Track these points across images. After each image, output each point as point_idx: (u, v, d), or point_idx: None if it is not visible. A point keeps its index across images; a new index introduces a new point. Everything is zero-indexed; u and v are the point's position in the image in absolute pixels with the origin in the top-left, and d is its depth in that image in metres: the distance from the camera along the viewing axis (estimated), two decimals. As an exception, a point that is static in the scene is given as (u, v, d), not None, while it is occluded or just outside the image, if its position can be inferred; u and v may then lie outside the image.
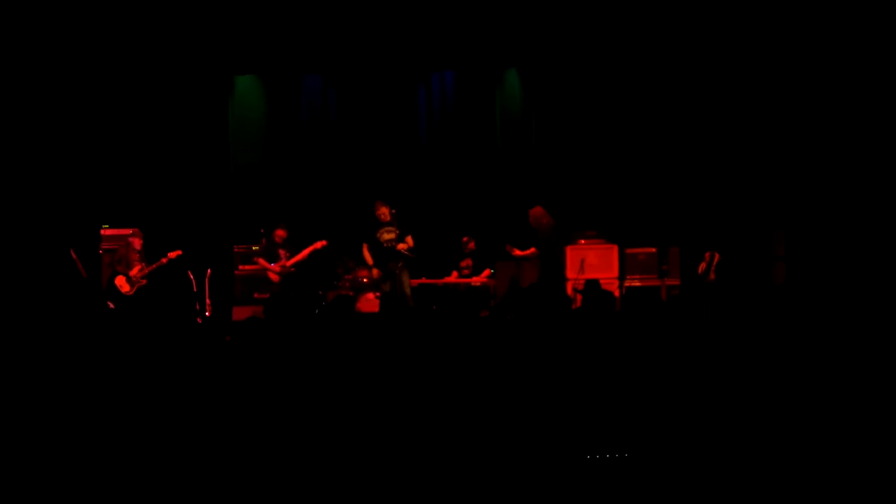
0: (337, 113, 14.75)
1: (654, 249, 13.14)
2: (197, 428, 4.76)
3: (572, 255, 13.00)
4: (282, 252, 12.75)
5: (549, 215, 12.35)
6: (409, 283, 12.22)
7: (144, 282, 12.11)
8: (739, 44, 12.69)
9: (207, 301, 12.12)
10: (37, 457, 4.53)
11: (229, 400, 4.96)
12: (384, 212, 12.21)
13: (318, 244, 12.68)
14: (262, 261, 12.81)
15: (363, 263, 13.17)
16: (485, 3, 13.26)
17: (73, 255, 11.75)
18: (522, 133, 14.43)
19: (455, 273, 13.55)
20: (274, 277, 12.72)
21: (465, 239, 13.60)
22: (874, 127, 11.52)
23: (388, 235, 12.14)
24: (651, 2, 13.02)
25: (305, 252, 12.68)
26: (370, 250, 12.31)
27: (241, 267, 13.35)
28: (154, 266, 12.11)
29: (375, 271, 12.33)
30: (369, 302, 13.02)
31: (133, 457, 4.54)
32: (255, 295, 13.09)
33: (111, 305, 11.83)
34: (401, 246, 12.02)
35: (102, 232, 12.79)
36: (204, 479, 4.44)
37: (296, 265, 12.76)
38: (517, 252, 12.53)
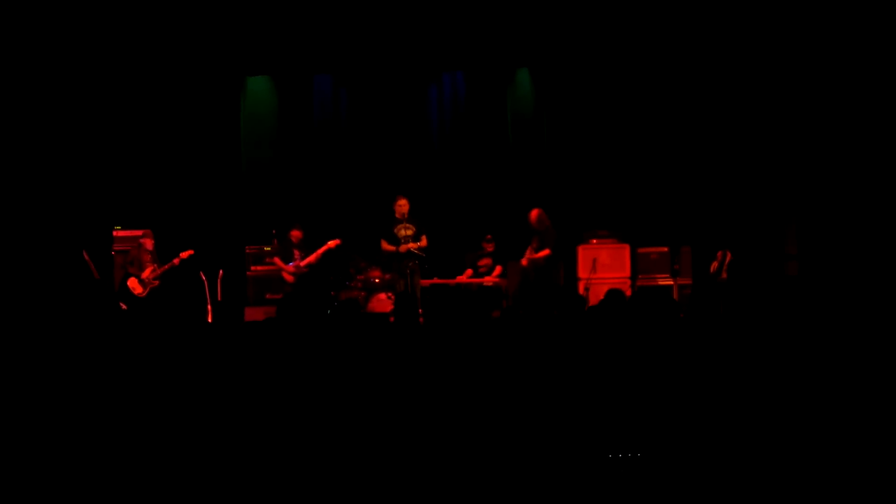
0: (348, 113, 14.75)
1: (665, 249, 13.13)
2: (209, 429, 4.76)
3: (584, 254, 12.99)
4: (296, 252, 12.75)
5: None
6: (419, 284, 12.14)
7: (157, 283, 12.13)
8: (750, 43, 12.67)
9: (220, 302, 12.14)
10: (48, 456, 4.54)
11: (241, 401, 4.97)
12: (403, 203, 12.08)
13: (332, 243, 12.65)
14: (277, 260, 12.80)
15: (376, 261, 13.17)
16: (496, 3, 13.26)
17: (86, 257, 11.79)
18: (534, 132, 14.42)
19: (469, 271, 13.51)
20: (288, 278, 12.72)
21: (489, 236, 13.51)
22: (884, 125, 11.49)
23: (405, 232, 12.03)
24: (662, 1, 13.00)
25: (319, 252, 12.65)
26: (390, 244, 12.15)
27: (253, 268, 13.37)
28: (166, 267, 12.13)
29: (404, 247, 11.99)
30: (381, 302, 13.01)
31: (145, 457, 4.55)
32: (268, 296, 13.11)
33: (124, 307, 11.86)
34: (411, 245, 11.92)
35: (114, 233, 12.82)
36: (214, 480, 4.45)
37: (309, 265, 12.73)
38: (533, 256, 12.30)
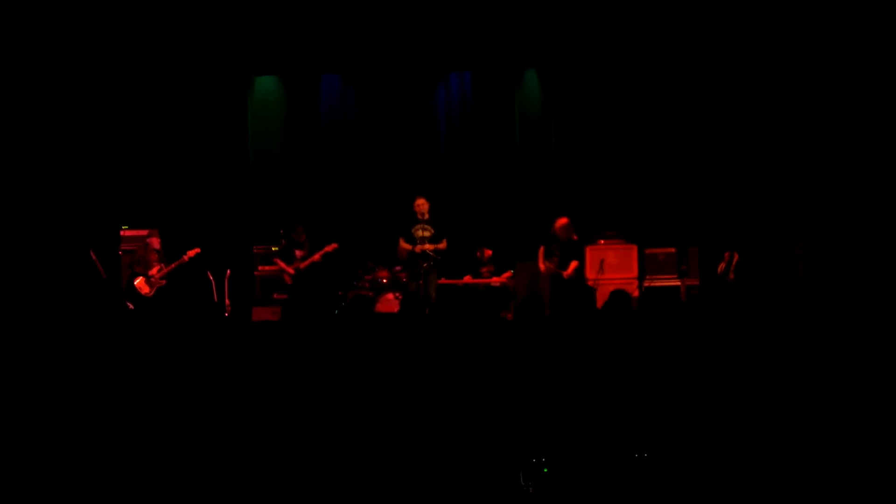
0: (356, 113, 14.75)
1: (673, 249, 13.10)
2: (217, 428, 4.77)
3: (592, 255, 12.95)
4: (298, 253, 12.71)
5: None
6: (435, 284, 12.06)
7: (164, 282, 12.12)
8: (758, 46, 12.66)
9: (227, 301, 12.13)
10: (56, 455, 4.55)
11: (249, 400, 4.97)
12: (422, 203, 12.01)
13: (329, 247, 12.58)
14: (279, 262, 12.77)
15: (384, 262, 13.16)
16: (504, 4, 13.25)
17: (93, 257, 11.80)
18: (541, 134, 14.42)
19: (468, 277, 13.49)
20: (289, 280, 12.70)
21: (478, 254, 13.53)
22: (889, 126, 11.49)
23: (422, 233, 11.96)
24: (671, 3, 12.99)
25: (317, 255, 12.59)
26: (407, 243, 12.04)
27: (260, 267, 13.37)
28: (173, 266, 12.11)
29: (419, 247, 11.84)
30: (388, 302, 13.00)
31: (152, 456, 4.55)
32: (275, 295, 13.11)
33: (130, 306, 11.86)
34: (427, 246, 11.84)
35: (121, 233, 12.83)
36: (222, 479, 4.45)
37: (309, 266, 12.67)
38: (566, 274, 11.90)
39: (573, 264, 11.65)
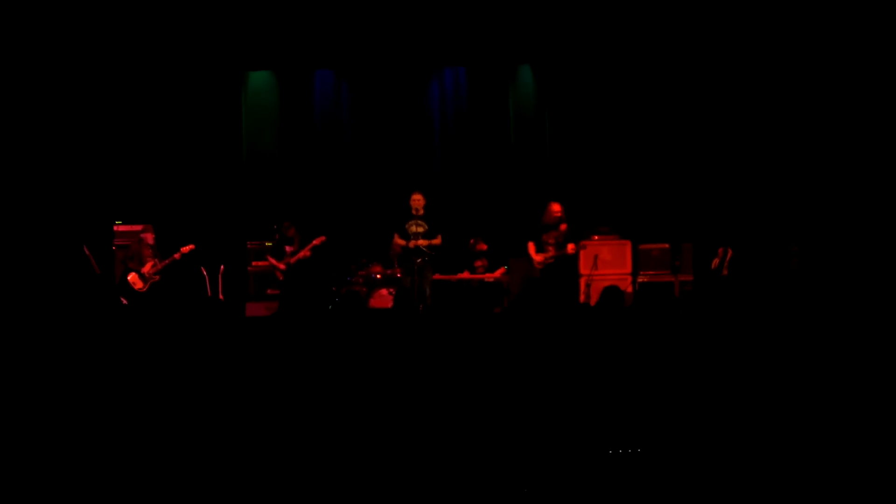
0: (350, 108, 14.74)
1: (667, 245, 13.12)
2: (211, 424, 4.76)
3: (586, 251, 12.97)
4: (287, 249, 12.72)
5: None
6: (429, 280, 12.04)
7: (158, 278, 12.11)
8: (752, 42, 12.66)
9: (220, 297, 12.12)
10: (48, 452, 4.54)
11: (243, 396, 4.96)
12: (418, 198, 12.02)
13: (317, 241, 12.60)
14: (271, 259, 12.78)
15: (377, 257, 13.16)
16: (498, -1, 13.27)
17: (87, 252, 11.78)
18: (536, 130, 14.42)
19: (467, 271, 13.51)
20: (280, 276, 12.71)
21: (472, 241, 13.55)
22: (885, 122, 11.49)
23: (415, 229, 11.96)
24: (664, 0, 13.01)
25: (306, 250, 12.60)
26: (401, 239, 12.06)
27: (254, 263, 13.36)
28: (167, 261, 12.10)
29: (413, 242, 11.85)
30: (382, 298, 13.00)
31: (145, 454, 4.54)
32: (269, 291, 13.10)
33: (124, 301, 11.85)
34: (420, 241, 11.84)
35: (115, 228, 12.81)
36: (217, 477, 4.45)
37: (298, 262, 12.67)
38: (564, 253, 11.96)
39: (571, 245, 11.75)
